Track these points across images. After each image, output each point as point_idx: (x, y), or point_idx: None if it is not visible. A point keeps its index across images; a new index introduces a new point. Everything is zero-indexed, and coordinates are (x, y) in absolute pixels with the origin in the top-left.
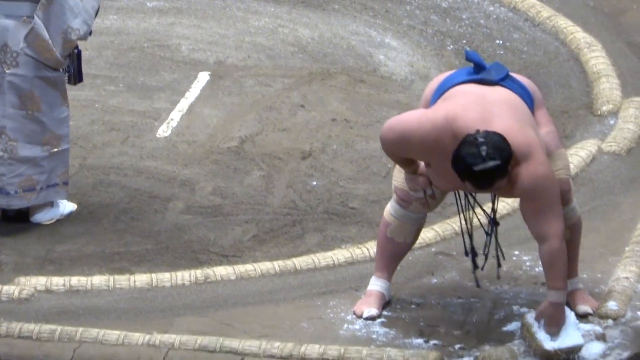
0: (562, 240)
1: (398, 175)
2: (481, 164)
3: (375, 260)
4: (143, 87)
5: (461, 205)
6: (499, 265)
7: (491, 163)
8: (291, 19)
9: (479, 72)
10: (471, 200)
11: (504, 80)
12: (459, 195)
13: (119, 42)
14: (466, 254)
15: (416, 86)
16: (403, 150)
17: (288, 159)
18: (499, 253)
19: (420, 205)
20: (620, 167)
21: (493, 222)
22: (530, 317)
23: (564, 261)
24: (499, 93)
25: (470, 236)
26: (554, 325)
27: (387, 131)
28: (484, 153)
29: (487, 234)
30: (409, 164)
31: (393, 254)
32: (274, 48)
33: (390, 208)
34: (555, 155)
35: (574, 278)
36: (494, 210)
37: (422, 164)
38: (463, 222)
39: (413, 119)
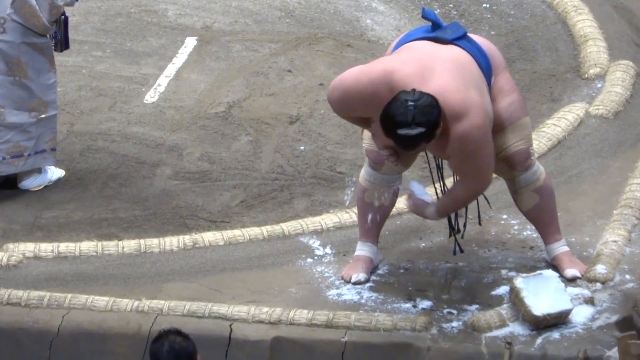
0: (474, 197)
1: (367, 137)
2: (406, 129)
3: (358, 226)
4: (130, 53)
5: (431, 168)
6: (480, 223)
7: (415, 130)
8: None
9: (435, 30)
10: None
11: (460, 40)
12: (428, 157)
13: (105, 7)
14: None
15: None
16: (347, 107)
17: (276, 124)
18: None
19: (393, 165)
20: (608, 130)
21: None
22: (519, 282)
23: (461, 205)
24: (449, 52)
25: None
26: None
27: (331, 91)
28: (410, 118)
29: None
30: (363, 122)
31: (374, 218)
32: (260, 13)
33: (364, 172)
34: (517, 126)
35: (557, 242)
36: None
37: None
38: (437, 185)
39: (352, 75)
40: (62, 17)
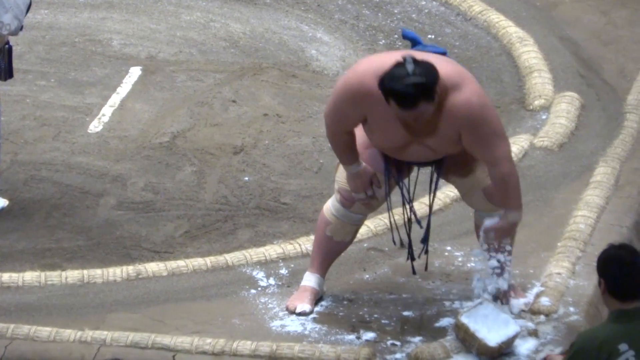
0: (512, 162)
1: (341, 176)
2: (406, 78)
3: (311, 257)
4: (75, 82)
5: (403, 195)
6: (426, 252)
7: (417, 78)
8: (223, 13)
9: (414, 46)
10: (408, 193)
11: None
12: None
13: (50, 37)
14: (402, 244)
15: None
16: (341, 117)
17: (220, 154)
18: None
19: (363, 206)
20: (553, 162)
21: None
22: (464, 318)
23: (516, 181)
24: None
25: (409, 227)
26: (504, 238)
27: (326, 109)
28: (410, 70)
29: (420, 226)
30: (349, 149)
31: (330, 252)
32: (205, 43)
33: (331, 207)
34: None
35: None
36: (430, 205)
37: (364, 165)
38: (402, 213)
39: (340, 83)
40: (6, 45)
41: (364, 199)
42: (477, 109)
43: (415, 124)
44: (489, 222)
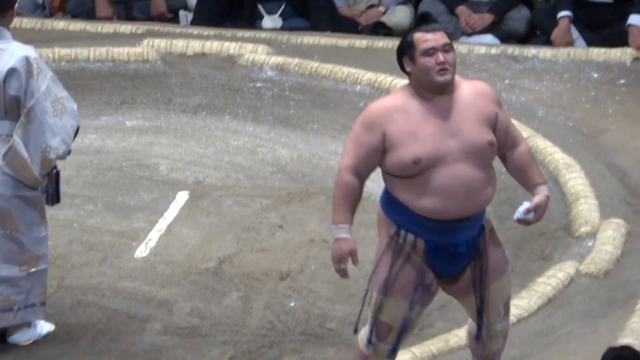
0: None
1: (377, 309)
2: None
3: None
4: (122, 207)
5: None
6: None
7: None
8: (270, 138)
9: None
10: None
11: None
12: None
13: (97, 161)
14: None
15: None
16: (356, 147)
17: (266, 280)
18: None
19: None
20: (598, 289)
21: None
22: None
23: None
24: None
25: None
26: (542, 215)
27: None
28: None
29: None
30: (349, 200)
31: None
32: (252, 168)
33: (365, 337)
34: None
35: None
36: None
37: (350, 237)
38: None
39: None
40: (54, 170)
41: (338, 270)
42: (493, 92)
43: (445, 58)
44: (524, 208)
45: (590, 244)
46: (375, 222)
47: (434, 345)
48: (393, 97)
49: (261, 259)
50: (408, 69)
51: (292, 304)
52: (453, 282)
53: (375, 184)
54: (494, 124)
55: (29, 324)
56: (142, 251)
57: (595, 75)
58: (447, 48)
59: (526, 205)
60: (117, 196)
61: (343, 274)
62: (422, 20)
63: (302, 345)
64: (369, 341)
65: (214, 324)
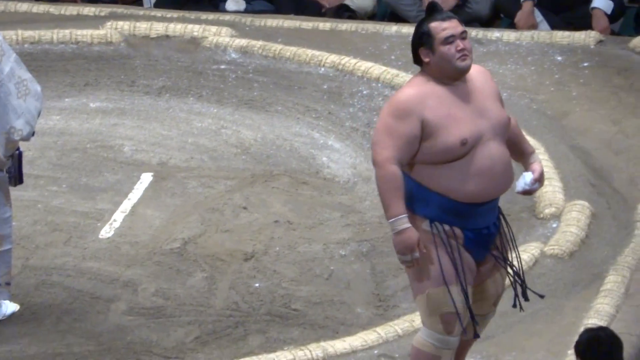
0: None
1: (437, 302)
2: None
3: None
4: (86, 188)
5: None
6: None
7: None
8: (234, 120)
9: None
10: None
11: None
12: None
13: (62, 142)
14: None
15: (359, 188)
16: (394, 137)
17: (231, 261)
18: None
19: (457, 326)
20: (563, 271)
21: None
22: None
23: None
24: None
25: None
26: (544, 181)
27: (374, 136)
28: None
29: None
30: (398, 189)
31: None
32: (216, 149)
33: (432, 341)
34: None
35: None
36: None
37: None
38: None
39: (385, 107)
40: (17, 151)
41: (408, 261)
42: None
43: (464, 44)
44: (531, 179)
45: (554, 225)
46: (340, 204)
47: (398, 325)
48: (416, 86)
49: (226, 240)
50: (426, 59)
51: (257, 285)
52: (480, 264)
53: (339, 165)
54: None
55: None
56: (106, 232)
57: (559, 58)
58: (464, 35)
59: (530, 175)
60: (81, 177)
61: (416, 263)
62: (433, 10)
63: (267, 326)
64: (440, 340)
65: (178, 304)
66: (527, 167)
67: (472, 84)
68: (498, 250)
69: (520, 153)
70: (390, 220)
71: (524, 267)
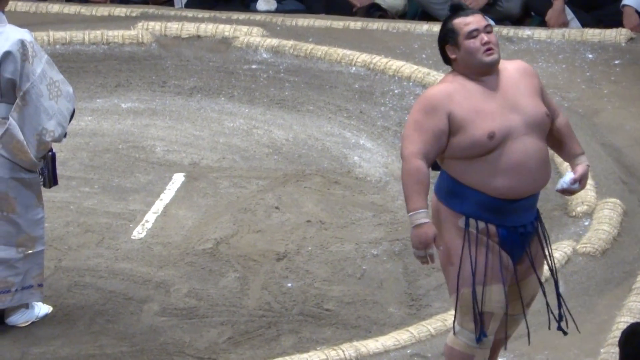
0: None
1: (468, 301)
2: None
3: None
4: (118, 189)
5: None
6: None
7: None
8: (266, 120)
9: None
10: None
11: None
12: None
13: (94, 144)
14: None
15: (391, 187)
16: (422, 131)
17: (263, 261)
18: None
19: (492, 322)
20: (595, 269)
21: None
22: None
23: None
24: None
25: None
26: (586, 184)
27: (405, 130)
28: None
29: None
30: (422, 184)
31: None
32: (248, 149)
33: (466, 341)
34: None
35: None
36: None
37: (430, 222)
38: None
39: (416, 103)
40: (50, 153)
41: (423, 256)
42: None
43: (489, 38)
44: (570, 178)
45: (587, 223)
46: (372, 203)
47: (431, 325)
48: (445, 82)
49: (258, 240)
50: (453, 56)
51: (289, 285)
52: (517, 264)
53: (370, 165)
54: (542, 97)
55: (26, 306)
56: (139, 233)
57: (590, 55)
58: (488, 29)
59: (571, 175)
60: (113, 178)
61: (431, 259)
62: (457, 8)
63: (299, 326)
64: (479, 339)
65: (211, 304)
66: (572, 168)
67: (504, 79)
68: (530, 255)
69: (566, 153)
70: (410, 214)
71: (556, 266)
